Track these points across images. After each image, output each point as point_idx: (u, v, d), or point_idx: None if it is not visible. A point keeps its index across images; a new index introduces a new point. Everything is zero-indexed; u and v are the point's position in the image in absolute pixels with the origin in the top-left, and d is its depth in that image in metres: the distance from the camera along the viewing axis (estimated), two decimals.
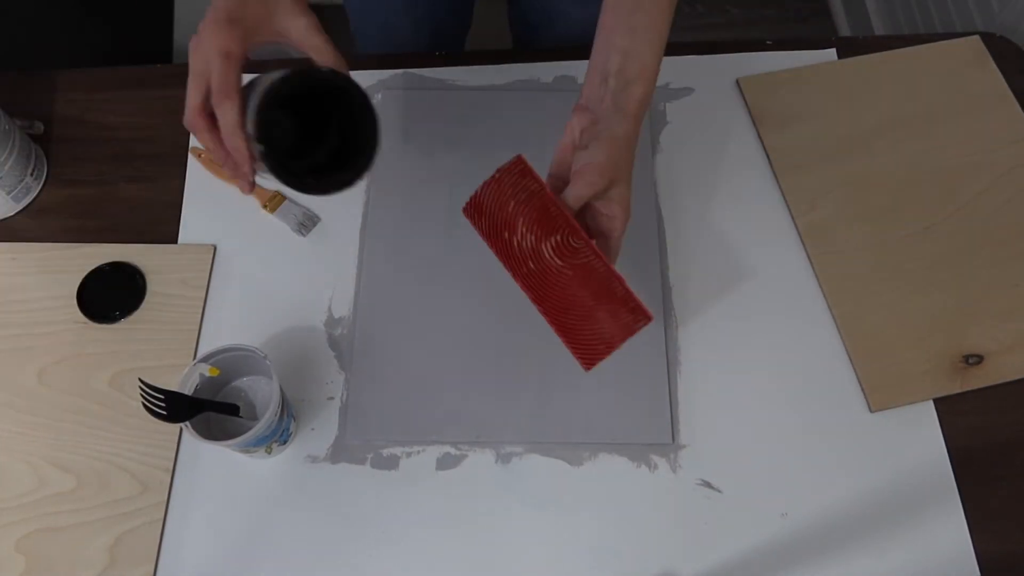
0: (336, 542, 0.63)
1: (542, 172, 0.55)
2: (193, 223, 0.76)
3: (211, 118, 0.55)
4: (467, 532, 0.63)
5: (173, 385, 0.59)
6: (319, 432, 0.67)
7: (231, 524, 0.63)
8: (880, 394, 0.66)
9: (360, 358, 0.69)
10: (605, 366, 0.68)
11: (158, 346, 0.70)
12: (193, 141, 0.80)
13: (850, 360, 0.68)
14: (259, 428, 0.58)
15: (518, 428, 0.66)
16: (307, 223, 0.75)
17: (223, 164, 0.57)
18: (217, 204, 0.77)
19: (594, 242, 0.55)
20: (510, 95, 0.82)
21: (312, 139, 0.59)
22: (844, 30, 1.80)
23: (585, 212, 0.57)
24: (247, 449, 0.62)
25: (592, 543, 0.62)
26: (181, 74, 0.84)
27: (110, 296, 0.72)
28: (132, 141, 0.81)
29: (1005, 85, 0.81)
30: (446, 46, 1.03)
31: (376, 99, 0.82)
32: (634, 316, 0.54)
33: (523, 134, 0.80)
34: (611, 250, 0.57)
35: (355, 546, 0.62)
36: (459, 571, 0.61)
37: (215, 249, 0.75)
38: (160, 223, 0.76)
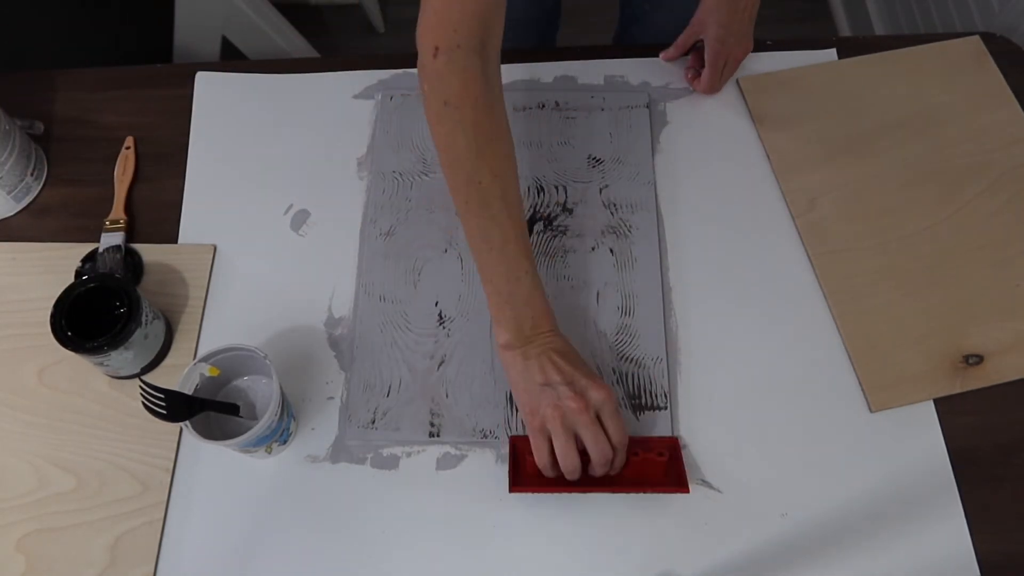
0: (336, 542, 0.62)
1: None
2: (193, 223, 0.76)
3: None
4: (467, 532, 0.63)
5: (173, 385, 0.59)
6: (319, 432, 0.67)
7: (231, 524, 0.63)
8: (880, 394, 0.66)
9: (360, 358, 0.69)
10: (605, 366, 0.68)
11: None
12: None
13: (850, 360, 0.68)
14: (259, 428, 0.58)
15: (518, 428, 0.66)
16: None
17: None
18: (217, 204, 0.77)
19: None
20: (510, 95, 0.82)
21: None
22: (844, 30, 1.80)
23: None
24: (247, 449, 0.62)
25: (592, 543, 0.62)
26: (181, 74, 0.85)
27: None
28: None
29: (1005, 85, 0.81)
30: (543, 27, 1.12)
31: (376, 99, 0.82)
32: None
33: (523, 133, 0.80)
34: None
35: (355, 546, 0.62)
36: (459, 571, 0.61)
37: (215, 249, 0.75)
38: (160, 223, 0.76)
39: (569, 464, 0.58)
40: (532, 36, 1.11)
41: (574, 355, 0.61)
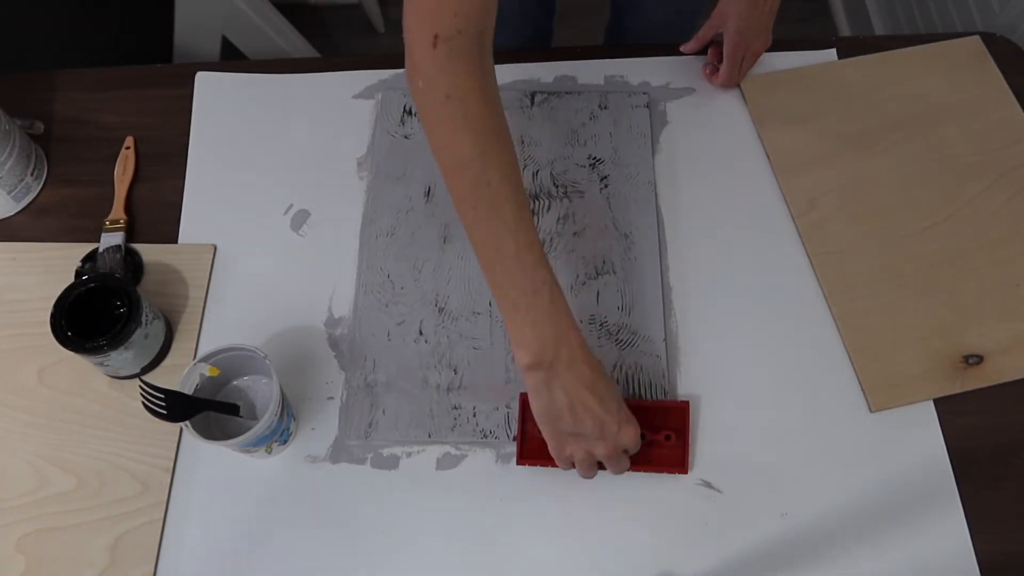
0: (336, 542, 0.63)
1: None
2: (193, 223, 0.76)
3: None
4: (467, 532, 0.63)
5: (173, 385, 0.59)
6: (319, 432, 0.67)
7: (231, 524, 0.63)
8: (880, 394, 0.66)
9: (360, 358, 0.69)
10: (606, 366, 0.68)
11: None
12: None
13: (850, 360, 0.68)
14: (259, 428, 0.58)
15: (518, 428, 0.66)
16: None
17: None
18: (217, 204, 0.77)
19: None
20: (510, 95, 0.82)
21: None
22: (844, 30, 1.80)
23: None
24: (247, 449, 0.62)
25: (592, 543, 0.62)
26: (181, 74, 0.85)
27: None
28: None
29: (1005, 85, 0.81)
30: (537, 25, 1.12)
31: (376, 99, 0.82)
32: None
33: (523, 133, 0.80)
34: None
35: (355, 546, 0.62)
36: (459, 571, 0.61)
37: (215, 249, 0.75)
38: (160, 223, 0.76)
39: (587, 476, 0.61)
40: (528, 26, 1.10)
41: (604, 384, 0.56)
